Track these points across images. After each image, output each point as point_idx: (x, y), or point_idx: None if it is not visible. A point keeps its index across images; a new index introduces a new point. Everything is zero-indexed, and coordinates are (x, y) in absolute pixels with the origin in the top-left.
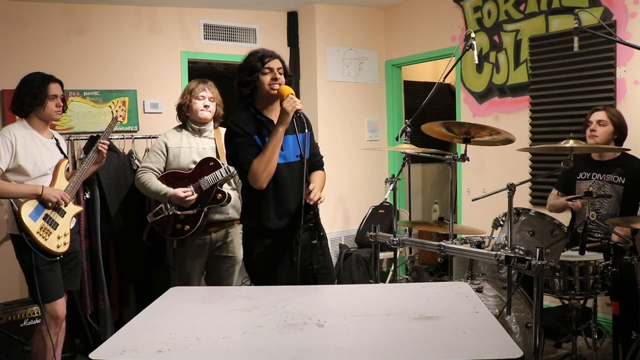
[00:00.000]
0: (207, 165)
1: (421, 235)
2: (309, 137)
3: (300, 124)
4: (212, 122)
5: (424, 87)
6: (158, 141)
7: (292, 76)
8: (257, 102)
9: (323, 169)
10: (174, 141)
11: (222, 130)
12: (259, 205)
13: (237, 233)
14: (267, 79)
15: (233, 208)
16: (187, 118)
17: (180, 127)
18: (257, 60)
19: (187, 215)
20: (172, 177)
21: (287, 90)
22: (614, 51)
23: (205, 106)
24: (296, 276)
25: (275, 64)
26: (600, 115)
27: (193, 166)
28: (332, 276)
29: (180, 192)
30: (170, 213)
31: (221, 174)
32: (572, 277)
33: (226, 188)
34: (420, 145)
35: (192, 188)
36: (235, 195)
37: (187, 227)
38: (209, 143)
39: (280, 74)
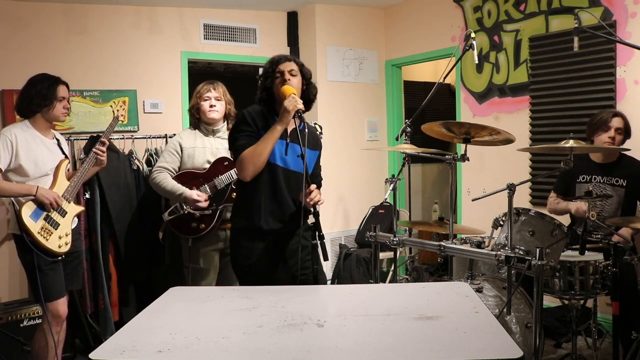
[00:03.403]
0: (221, 164)
1: (421, 235)
2: (317, 156)
3: (313, 143)
4: (225, 123)
5: (424, 87)
6: (172, 141)
7: (310, 75)
8: (276, 106)
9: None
10: (188, 141)
11: None
12: (252, 204)
13: None
14: (278, 82)
15: None
16: (198, 120)
17: (194, 128)
18: (270, 65)
19: (203, 214)
20: (187, 176)
21: (290, 90)
22: (614, 51)
23: (212, 106)
24: (287, 279)
25: (286, 66)
26: (619, 122)
27: (207, 166)
28: (320, 280)
29: (194, 194)
30: (186, 212)
31: (236, 173)
32: (572, 277)
33: None
34: (420, 145)
35: (207, 187)
36: None
37: (203, 225)
38: (222, 143)
39: (293, 75)
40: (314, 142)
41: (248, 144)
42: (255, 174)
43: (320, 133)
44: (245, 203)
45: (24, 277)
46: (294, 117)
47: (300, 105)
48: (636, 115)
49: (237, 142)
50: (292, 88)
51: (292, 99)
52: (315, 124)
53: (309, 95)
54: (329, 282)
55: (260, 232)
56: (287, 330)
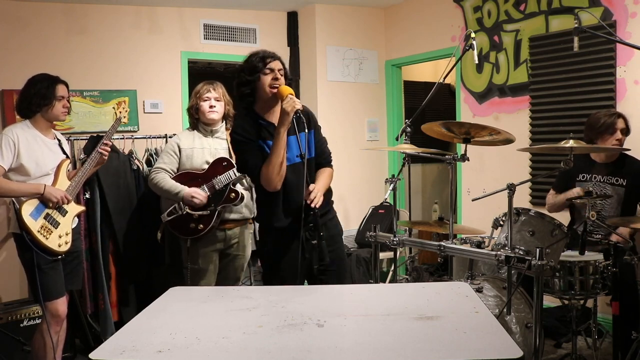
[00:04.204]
0: (220, 165)
1: (421, 235)
2: (312, 135)
3: (301, 123)
4: (223, 123)
5: (424, 87)
6: (171, 142)
7: (292, 79)
8: (257, 105)
9: (330, 166)
10: (187, 142)
11: None
12: (269, 206)
13: (248, 232)
14: (267, 79)
15: (246, 207)
16: (197, 120)
17: (192, 129)
18: (259, 60)
19: (201, 215)
20: (185, 177)
21: (287, 90)
22: (614, 51)
23: (211, 107)
24: (303, 274)
25: (276, 65)
26: (622, 123)
27: (206, 167)
28: (341, 275)
29: (192, 191)
30: (184, 212)
31: (234, 173)
32: (572, 277)
33: (239, 187)
34: (420, 145)
35: (205, 188)
36: (248, 195)
37: (201, 226)
38: (221, 144)
39: (281, 75)
40: (302, 123)
41: (259, 159)
42: (281, 181)
43: None
44: (262, 204)
45: (24, 277)
46: (293, 118)
47: (299, 105)
48: (636, 115)
49: (248, 163)
50: (289, 88)
51: (290, 100)
52: None
53: None
54: None
55: (276, 230)
56: (287, 330)
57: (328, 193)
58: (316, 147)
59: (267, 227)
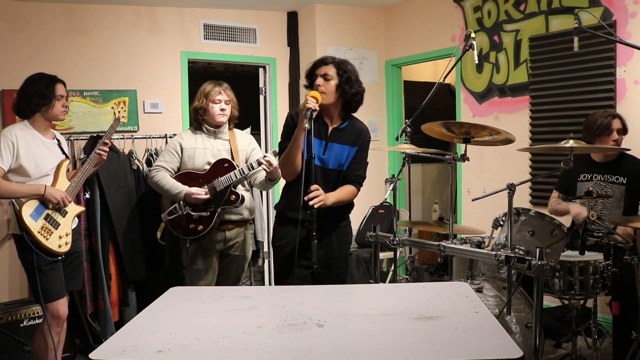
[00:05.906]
0: (221, 166)
1: (421, 235)
2: (354, 152)
3: (352, 139)
4: (227, 124)
5: (424, 87)
6: (173, 141)
7: (348, 77)
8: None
9: (356, 186)
10: (189, 142)
11: (237, 131)
12: (286, 195)
13: (249, 233)
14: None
15: (247, 209)
16: (203, 120)
17: (195, 129)
18: (312, 68)
19: (201, 216)
20: (186, 177)
21: (310, 93)
22: (614, 51)
23: (222, 109)
24: (304, 268)
25: (320, 70)
26: (619, 123)
27: (207, 167)
28: (333, 275)
29: (192, 189)
30: (184, 213)
31: (235, 175)
32: (572, 277)
33: (240, 189)
34: (420, 145)
35: (206, 188)
36: (248, 197)
37: (201, 227)
38: (223, 145)
39: (327, 79)
40: (353, 138)
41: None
42: (292, 174)
43: None
44: (284, 192)
45: (24, 277)
46: (306, 117)
47: (309, 104)
48: (636, 115)
49: (281, 146)
50: (314, 92)
51: (305, 99)
52: None
53: (345, 96)
54: None
55: (287, 219)
56: (287, 330)
57: (344, 205)
58: (350, 163)
59: (281, 214)
